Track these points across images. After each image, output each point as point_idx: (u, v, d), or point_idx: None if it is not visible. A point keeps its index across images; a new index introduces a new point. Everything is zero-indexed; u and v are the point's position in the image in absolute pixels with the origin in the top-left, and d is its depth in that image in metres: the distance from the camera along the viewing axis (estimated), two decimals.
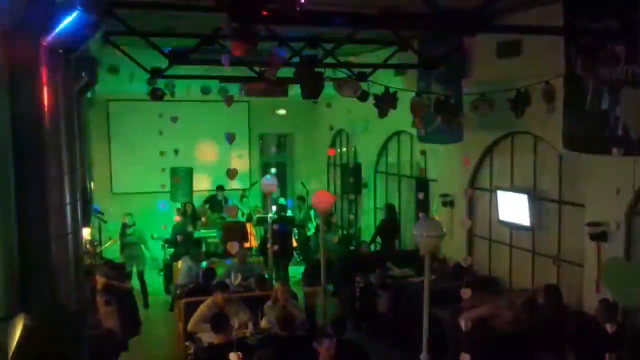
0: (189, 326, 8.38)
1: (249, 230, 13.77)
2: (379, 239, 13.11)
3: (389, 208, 13.32)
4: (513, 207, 9.54)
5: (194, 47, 8.82)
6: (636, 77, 6.27)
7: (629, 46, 6.44)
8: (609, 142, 6.82)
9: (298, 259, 14.61)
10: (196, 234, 13.73)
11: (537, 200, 9.27)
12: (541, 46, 7.98)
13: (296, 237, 14.56)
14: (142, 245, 12.51)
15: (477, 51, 9.41)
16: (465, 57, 9.68)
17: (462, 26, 5.89)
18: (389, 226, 13.11)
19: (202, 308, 8.41)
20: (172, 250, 13.11)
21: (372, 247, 12.91)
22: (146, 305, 11.98)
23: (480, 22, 5.71)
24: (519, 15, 8.03)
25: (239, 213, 14.17)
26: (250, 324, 8.13)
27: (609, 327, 6.64)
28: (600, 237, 7.83)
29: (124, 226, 12.42)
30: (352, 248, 13.76)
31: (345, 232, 15.37)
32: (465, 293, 8.08)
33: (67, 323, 4.33)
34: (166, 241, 13.38)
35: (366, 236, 14.15)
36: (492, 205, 10.19)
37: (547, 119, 8.00)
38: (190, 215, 14.06)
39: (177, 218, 13.52)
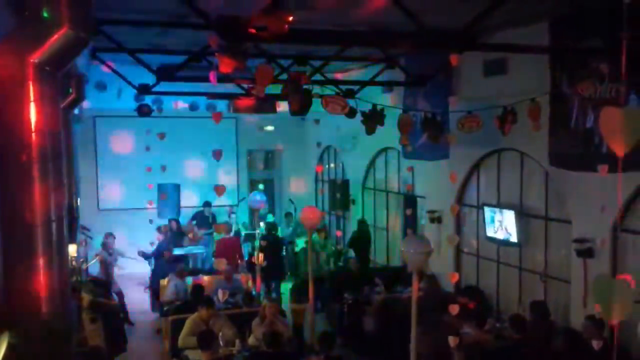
0: (180, 342, 8.32)
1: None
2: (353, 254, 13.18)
3: (360, 223, 13.37)
4: (500, 224, 9.58)
5: (182, 63, 8.84)
6: (621, 94, 6.35)
7: (613, 64, 6.53)
8: (594, 159, 6.89)
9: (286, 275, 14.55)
10: (184, 250, 13.63)
11: (523, 217, 9.31)
12: (527, 64, 8.07)
13: (284, 253, 14.50)
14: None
15: (464, 69, 9.50)
16: (451, 75, 9.76)
17: (449, 44, 5.96)
18: (361, 241, 13.15)
19: (189, 322, 8.38)
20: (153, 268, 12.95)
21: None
22: (129, 322, 11.81)
23: (467, 40, 5.77)
24: (505, 33, 8.12)
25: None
26: (237, 341, 8.08)
27: (595, 344, 6.66)
28: (586, 253, 7.88)
29: (105, 246, 12.24)
30: (340, 264, 13.74)
31: (333, 249, 15.34)
32: (453, 309, 8.09)
33: (52, 341, 4.28)
34: (142, 254, 13.12)
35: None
36: (480, 221, 10.23)
37: (533, 136, 8.07)
38: (176, 232, 13.97)
39: (159, 237, 13.36)
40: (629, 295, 3.07)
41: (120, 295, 11.95)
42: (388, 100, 10.76)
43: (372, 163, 14.12)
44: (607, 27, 6.38)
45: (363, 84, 9.96)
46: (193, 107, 12.87)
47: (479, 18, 5.52)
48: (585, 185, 7.80)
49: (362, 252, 13.05)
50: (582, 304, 7.96)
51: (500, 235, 9.60)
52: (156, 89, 9.94)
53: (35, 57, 4.03)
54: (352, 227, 15.05)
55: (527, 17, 7.64)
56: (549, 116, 7.70)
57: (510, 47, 7.54)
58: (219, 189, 14.02)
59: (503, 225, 9.53)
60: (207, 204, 15.15)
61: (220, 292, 9.83)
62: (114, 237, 12.39)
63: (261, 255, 11.85)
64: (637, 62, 6.35)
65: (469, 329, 8.20)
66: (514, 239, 9.34)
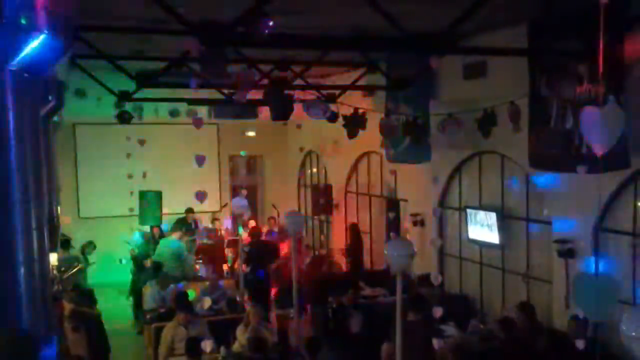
0: (162, 349, 8.25)
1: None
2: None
3: (353, 228, 13.38)
4: (482, 226, 9.63)
5: (162, 70, 8.80)
6: (599, 96, 6.42)
7: (592, 66, 6.60)
8: (574, 160, 6.96)
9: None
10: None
11: (505, 219, 9.38)
12: (506, 67, 8.14)
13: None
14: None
15: (444, 73, 9.56)
16: (432, 79, 9.82)
17: (429, 48, 5.99)
18: (355, 246, 13.17)
19: (166, 332, 8.30)
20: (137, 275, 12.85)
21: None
22: None
23: (447, 43, 5.82)
24: (484, 36, 8.18)
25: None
26: (222, 347, 8.03)
27: (579, 344, 6.72)
28: (568, 253, 7.95)
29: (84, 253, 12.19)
30: (323, 269, 13.71)
31: (316, 253, 15.32)
32: (437, 312, 8.12)
33: (34, 351, 4.23)
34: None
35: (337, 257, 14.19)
36: (462, 223, 10.28)
37: (513, 138, 8.13)
38: (158, 239, 13.85)
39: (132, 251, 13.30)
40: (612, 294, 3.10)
41: None
42: (370, 105, 10.78)
43: (354, 167, 14.14)
44: (585, 30, 6.45)
45: (344, 88, 9.98)
46: (173, 114, 12.78)
47: (458, 21, 5.56)
48: (565, 186, 7.87)
49: (355, 257, 13.07)
50: (564, 304, 8.03)
51: (482, 237, 9.66)
52: (136, 95, 9.89)
53: (13, 64, 3.99)
54: (335, 231, 15.07)
55: (505, 20, 7.71)
56: (529, 118, 7.76)
57: (489, 50, 7.60)
58: (201, 195, 13.97)
59: (485, 227, 9.59)
60: (190, 211, 15.07)
61: (204, 300, 9.77)
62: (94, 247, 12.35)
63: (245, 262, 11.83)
64: (614, 64, 6.45)
65: (451, 330, 8.25)
66: (496, 240, 9.40)
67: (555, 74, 7.16)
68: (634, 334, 3.76)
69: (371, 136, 9.63)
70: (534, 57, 7.53)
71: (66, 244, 11.82)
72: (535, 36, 7.44)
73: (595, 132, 3.12)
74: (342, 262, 13.38)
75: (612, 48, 6.30)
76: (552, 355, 7.15)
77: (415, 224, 11.36)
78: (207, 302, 9.67)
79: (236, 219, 13.82)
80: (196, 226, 14.88)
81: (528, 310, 8.01)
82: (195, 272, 12.75)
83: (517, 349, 7.26)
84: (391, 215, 12.49)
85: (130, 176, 14.83)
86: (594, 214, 7.53)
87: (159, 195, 14.28)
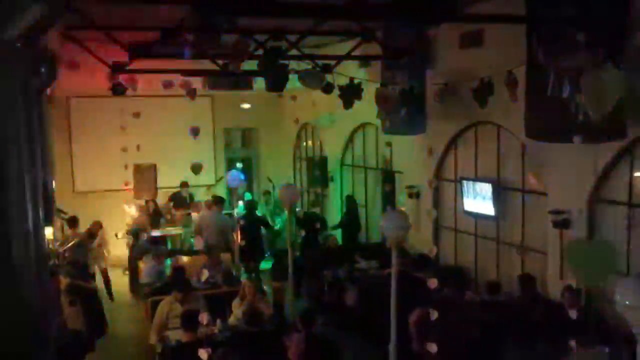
0: (154, 330, 8.27)
1: None
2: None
3: (349, 199, 13.38)
4: (478, 197, 9.63)
5: (156, 40, 8.69)
6: (597, 64, 6.37)
7: (590, 34, 6.54)
8: (570, 130, 6.92)
9: (266, 254, 14.54)
10: (160, 232, 13.56)
11: (501, 190, 9.37)
12: (503, 36, 8.07)
13: (264, 232, 14.46)
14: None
15: (441, 42, 9.48)
16: (428, 48, 9.73)
17: (425, 16, 5.92)
18: (350, 218, 13.18)
19: (162, 306, 8.31)
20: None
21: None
22: (111, 297, 11.82)
23: (444, 11, 5.75)
24: (481, 4, 8.08)
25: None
26: (218, 321, 8.06)
27: (572, 313, 6.77)
28: (562, 224, 7.96)
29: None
30: (319, 242, 13.74)
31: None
32: (432, 283, 8.14)
33: (31, 323, 4.23)
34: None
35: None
36: (457, 195, 10.28)
37: (510, 109, 8.09)
38: (152, 214, 13.86)
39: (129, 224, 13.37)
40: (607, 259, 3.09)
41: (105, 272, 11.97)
42: (366, 75, 10.70)
43: (350, 139, 14.09)
44: None
45: (340, 58, 9.88)
46: (167, 85, 12.64)
47: None
48: (561, 156, 7.85)
49: (351, 229, 13.09)
50: (558, 275, 8.07)
51: (477, 209, 9.66)
52: (130, 67, 9.78)
53: (5, 34, 3.93)
54: (331, 204, 15.08)
55: None
56: (525, 88, 7.71)
57: (486, 18, 7.52)
58: (196, 168, 13.93)
59: (480, 198, 9.58)
60: (185, 184, 15.04)
61: (202, 273, 9.79)
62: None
63: (239, 235, 11.86)
64: (612, 31, 6.38)
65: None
66: (491, 212, 9.40)
67: (553, 42, 7.09)
68: (627, 302, 3.79)
69: (367, 107, 9.57)
70: (531, 25, 7.45)
71: (74, 222, 11.79)
72: (533, 3, 7.35)
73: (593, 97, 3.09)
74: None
75: (611, 15, 6.24)
76: (546, 325, 7.20)
77: (410, 196, 11.36)
78: (205, 274, 9.69)
79: (232, 192, 13.85)
80: (191, 200, 14.88)
81: (529, 282, 8.06)
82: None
83: (515, 320, 7.32)
84: (387, 187, 12.47)
85: (124, 149, 14.77)
86: (590, 184, 7.53)
87: (153, 168, 14.25)
